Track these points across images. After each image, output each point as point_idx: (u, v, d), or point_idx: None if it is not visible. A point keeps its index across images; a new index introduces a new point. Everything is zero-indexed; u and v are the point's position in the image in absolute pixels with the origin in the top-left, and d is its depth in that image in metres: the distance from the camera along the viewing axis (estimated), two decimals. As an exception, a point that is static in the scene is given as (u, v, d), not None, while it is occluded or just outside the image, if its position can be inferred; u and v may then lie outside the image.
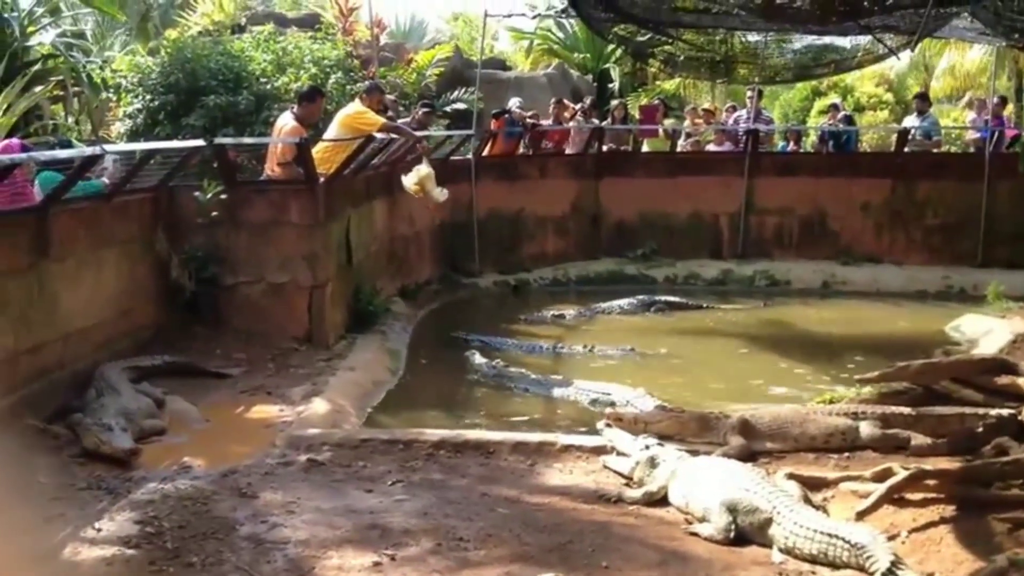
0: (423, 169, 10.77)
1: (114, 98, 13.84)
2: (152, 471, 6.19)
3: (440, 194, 10.93)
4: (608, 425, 6.71)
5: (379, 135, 10.38)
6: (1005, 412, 6.36)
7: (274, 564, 4.83)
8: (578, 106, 17.83)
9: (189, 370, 8.49)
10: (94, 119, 15.68)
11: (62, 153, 7.85)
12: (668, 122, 19.08)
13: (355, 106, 10.79)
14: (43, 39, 15.36)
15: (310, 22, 19.63)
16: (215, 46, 13.00)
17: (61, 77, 14.69)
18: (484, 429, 7.52)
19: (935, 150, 16.52)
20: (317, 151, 9.91)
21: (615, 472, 6.23)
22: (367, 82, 13.51)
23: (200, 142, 9.41)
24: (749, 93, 17.20)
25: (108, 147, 8.11)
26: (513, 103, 16.93)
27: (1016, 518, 4.83)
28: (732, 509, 5.19)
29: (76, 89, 15.01)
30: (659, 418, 6.89)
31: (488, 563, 4.83)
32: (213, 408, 7.70)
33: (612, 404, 8.00)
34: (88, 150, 7.61)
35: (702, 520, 5.35)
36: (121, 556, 4.86)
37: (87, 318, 7.92)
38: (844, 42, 13.94)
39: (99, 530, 5.17)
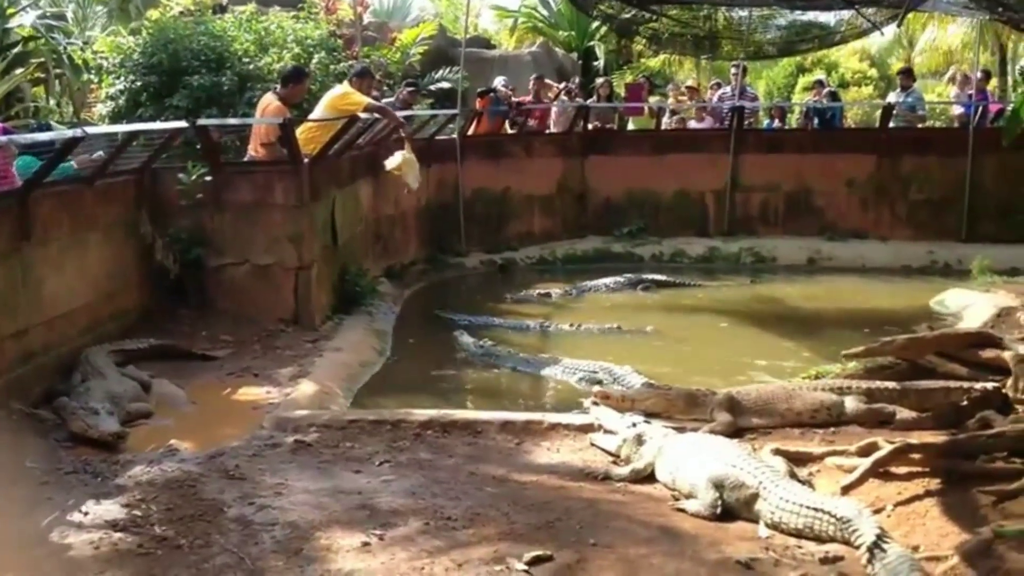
0: (405, 155, 10.81)
1: (96, 80, 13.69)
2: (139, 454, 6.17)
3: (414, 181, 11.02)
4: (595, 403, 6.72)
5: (363, 115, 10.35)
6: (989, 385, 6.38)
7: (262, 546, 4.82)
8: (561, 86, 17.78)
9: (175, 353, 8.45)
10: (76, 101, 15.54)
11: (42, 136, 7.76)
12: (653, 99, 19.05)
13: (342, 88, 10.74)
14: (23, 21, 15.17)
15: (292, 1, 19.43)
16: (197, 26, 12.85)
17: (42, 59, 14.57)
18: (471, 408, 7.52)
19: (919, 125, 16.54)
20: (301, 132, 9.86)
21: (602, 450, 6.25)
22: (352, 62, 13.43)
23: (183, 123, 9.33)
24: (733, 70, 17.17)
25: (90, 129, 8.02)
26: (498, 82, 16.89)
27: (1000, 490, 4.85)
28: (718, 485, 5.20)
29: (57, 71, 14.91)
30: (646, 395, 6.89)
31: (476, 542, 4.83)
32: (200, 390, 7.67)
33: (599, 382, 8.02)
34: (69, 132, 7.53)
35: (689, 496, 5.36)
36: (108, 540, 4.84)
37: (71, 302, 7.86)
38: (828, 17, 13.98)
39: (86, 514, 5.16)
